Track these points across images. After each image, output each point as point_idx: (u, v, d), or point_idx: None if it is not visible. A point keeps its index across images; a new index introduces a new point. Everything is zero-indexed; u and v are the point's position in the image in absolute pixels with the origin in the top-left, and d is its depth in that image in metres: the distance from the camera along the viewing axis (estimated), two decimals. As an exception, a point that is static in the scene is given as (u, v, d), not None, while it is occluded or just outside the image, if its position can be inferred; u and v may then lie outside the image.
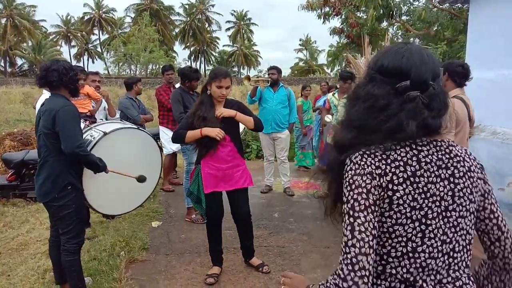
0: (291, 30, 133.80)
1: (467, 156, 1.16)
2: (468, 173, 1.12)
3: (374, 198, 1.05)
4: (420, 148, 1.10)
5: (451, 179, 1.10)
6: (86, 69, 5.77)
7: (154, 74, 37.21)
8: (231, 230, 4.65)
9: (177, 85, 6.14)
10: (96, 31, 58.38)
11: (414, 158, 1.08)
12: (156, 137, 4.55)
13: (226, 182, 3.42)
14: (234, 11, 63.37)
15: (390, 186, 1.05)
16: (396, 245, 1.07)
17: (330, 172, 1.20)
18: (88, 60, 58.61)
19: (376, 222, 1.04)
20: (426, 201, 1.06)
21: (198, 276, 3.59)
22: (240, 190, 3.48)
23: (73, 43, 57.45)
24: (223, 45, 64.86)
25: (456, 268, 1.10)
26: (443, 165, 1.10)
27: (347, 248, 1.02)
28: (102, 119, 4.82)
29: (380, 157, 1.08)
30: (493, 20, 4.57)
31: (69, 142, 2.73)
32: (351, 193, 1.06)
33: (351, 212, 1.04)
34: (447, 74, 3.48)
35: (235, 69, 63.22)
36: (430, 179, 1.07)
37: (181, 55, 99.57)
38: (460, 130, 3.39)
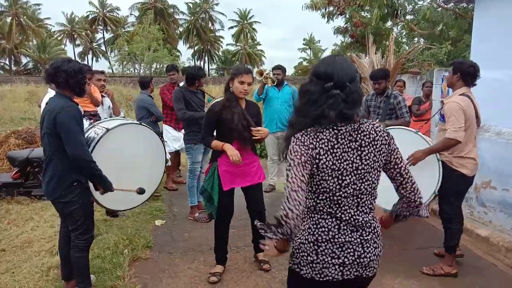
0: (295, 29, 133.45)
1: (373, 130, 1.67)
2: (372, 142, 1.65)
3: (304, 159, 1.59)
4: (338, 129, 1.62)
5: (359, 148, 1.63)
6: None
7: (158, 73, 37.22)
8: (234, 229, 4.65)
9: (181, 84, 6.16)
10: (100, 30, 58.58)
11: (334, 136, 1.62)
12: (160, 136, 4.54)
13: (242, 178, 3.47)
14: (239, 9, 63.35)
15: (317, 156, 1.60)
16: (322, 191, 1.65)
17: (286, 141, 1.72)
18: (92, 59, 58.77)
19: (305, 174, 1.59)
20: (341, 164, 1.62)
21: (201, 274, 3.60)
22: (256, 185, 3.56)
23: (77, 41, 57.61)
24: (227, 44, 64.86)
25: (363, 205, 1.69)
26: (353, 139, 1.63)
27: (285, 187, 1.59)
28: (106, 118, 4.83)
29: (313, 136, 1.62)
30: (498, 20, 4.55)
31: (71, 145, 2.73)
32: (291, 155, 1.62)
33: (289, 167, 1.61)
34: (459, 74, 3.45)
35: (239, 68, 63.10)
36: (344, 149, 1.62)
37: (185, 54, 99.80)
38: (468, 127, 3.38)
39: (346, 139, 1.62)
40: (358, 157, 1.63)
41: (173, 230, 4.66)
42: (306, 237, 1.70)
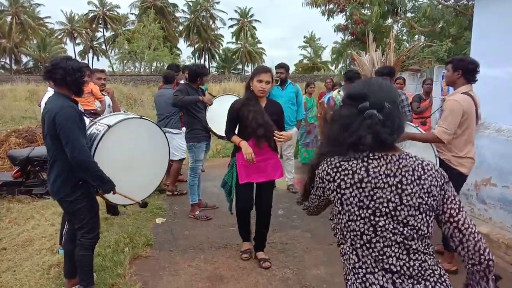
0: (295, 27, 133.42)
1: (420, 166, 1.41)
2: (417, 181, 1.38)
3: (319, 193, 1.51)
4: (370, 161, 1.38)
5: (399, 185, 1.36)
6: (91, 66, 5.75)
7: (158, 72, 37.21)
8: (234, 226, 4.67)
9: (182, 82, 6.16)
10: (100, 29, 58.55)
11: (363, 169, 1.37)
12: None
13: (258, 174, 3.56)
14: (239, 7, 63.22)
15: (338, 189, 1.40)
16: (354, 238, 1.40)
17: (309, 173, 1.61)
18: (93, 57, 58.76)
19: (318, 204, 1.60)
20: (372, 202, 1.36)
21: (201, 272, 3.61)
22: (268, 182, 3.65)
23: (78, 40, 57.60)
24: (227, 42, 64.79)
25: (416, 253, 1.37)
26: (391, 174, 1.37)
27: (307, 203, 1.67)
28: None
29: (333, 166, 1.42)
30: (498, 17, 4.54)
31: (69, 147, 2.72)
32: (314, 184, 1.53)
33: (312, 191, 1.58)
34: (461, 71, 3.40)
35: (239, 66, 63.14)
36: (378, 185, 1.36)
37: (185, 52, 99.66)
38: (467, 127, 3.37)
39: (380, 173, 1.37)
40: (397, 196, 1.36)
41: (174, 228, 4.67)
42: None
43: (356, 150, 1.38)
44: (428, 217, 1.38)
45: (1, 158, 7.27)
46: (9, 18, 47.93)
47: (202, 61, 58.24)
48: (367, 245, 1.37)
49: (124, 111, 5.18)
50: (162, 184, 6.22)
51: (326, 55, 57.06)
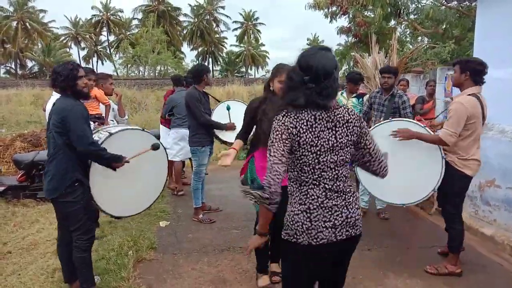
0: (298, 29, 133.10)
1: (347, 113, 1.91)
2: (346, 124, 1.89)
3: (284, 137, 1.83)
4: (315, 112, 1.85)
5: (334, 128, 1.87)
6: (95, 70, 5.73)
7: (162, 75, 37.34)
8: (238, 229, 4.68)
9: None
10: (104, 33, 58.89)
11: (312, 117, 1.84)
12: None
13: None
14: (243, 9, 63.33)
15: (298, 134, 1.83)
16: (303, 165, 1.88)
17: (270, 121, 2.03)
18: (97, 61, 59.11)
19: (285, 149, 1.84)
20: (319, 141, 1.84)
21: (205, 275, 3.61)
22: (283, 187, 3.40)
23: (82, 44, 57.94)
24: (231, 45, 64.87)
25: (341, 176, 1.92)
26: (330, 120, 1.86)
27: (268, 161, 1.85)
28: (112, 120, 4.86)
29: (293, 117, 1.84)
30: (500, 18, 4.53)
31: (81, 141, 2.83)
32: (273, 134, 1.86)
33: (271, 144, 1.86)
34: (469, 73, 3.34)
35: (243, 69, 63.23)
36: (322, 128, 1.85)
37: (189, 56, 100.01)
38: (474, 129, 3.35)
39: (323, 120, 1.85)
40: (333, 136, 1.86)
41: (177, 231, 4.67)
42: (299, 207, 1.91)
43: (294, 106, 1.84)
44: (350, 149, 1.94)
45: (6, 162, 7.32)
46: (14, 23, 48.31)
47: (205, 64, 58.29)
48: (312, 170, 1.87)
49: (126, 118, 5.20)
50: (166, 188, 6.26)
51: (330, 58, 56.81)
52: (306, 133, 1.83)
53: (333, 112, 1.88)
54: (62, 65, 3.01)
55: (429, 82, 7.04)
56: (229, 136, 5.03)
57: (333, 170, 1.89)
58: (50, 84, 3.01)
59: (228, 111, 5.01)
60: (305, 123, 1.83)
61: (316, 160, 1.86)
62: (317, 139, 1.84)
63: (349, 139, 1.91)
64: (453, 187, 3.51)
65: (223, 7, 60.69)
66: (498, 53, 4.42)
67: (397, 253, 3.97)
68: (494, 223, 4.43)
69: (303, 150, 1.85)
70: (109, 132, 3.27)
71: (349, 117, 1.91)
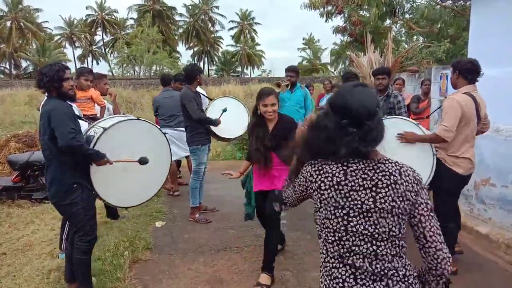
0: (294, 29, 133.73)
1: (397, 171, 1.45)
2: (393, 185, 1.43)
3: (302, 189, 1.59)
4: (350, 165, 1.46)
5: (374, 188, 1.43)
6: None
7: (157, 75, 37.25)
8: (234, 229, 4.68)
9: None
10: (99, 33, 58.65)
11: (342, 172, 1.46)
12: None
13: (270, 182, 3.50)
14: (240, 9, 63.30)
15: (318, 190, 1.49)
16: (328, 234, 1.49)
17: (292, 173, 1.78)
18: (92, 61, 58.85)
19: (299, 197, 1.65)
20: (348, 203, 1.43)
21: (201, 275, 3.61)
22: (274, 191, 3.42)
23: (77, 44, 57.67)
24: (227, 45, 64.87)
25: (383, 254, 1.44)
26: (368, 178, 1.44)
27: (286, 191, 1.75)
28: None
29: (315, 168, 1.52)
30: (495, 17, 4.55)
31: (62, 136, 2.77)
32: (296, 181, 1.64)
33: (294, 187, 1.66)
34: (457, 72, 3.45)
35: (239, 69, 63.20)
36: (353, 187, 1.44)
37: (185, 55, 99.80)
38: (464, 127, 3.37)
39: (357, 177, 1.45)
40: (371, 198, 1.42)
41: (173, 232, 4.66)
42: None
43: (333, 157, 1.48)
44: (400, 220, 1.44)
45: (0, 163, 7.28)
46: (8, 23, 48.02)
47: (201, 64, 58.20)
48: (338, 241, 1.47)
49: (123, 114, 5.18)
50: (162, 188, 6.24)
51: (325, 57, 57.11)
52: (329, 191, 1.46)
53: (375, 168, 1.46)
54: (49, 66, 2.97)
55: (424, 81, 7.06)
56: (227, 132, 5.09)
57: (369, 244, 1.43)
58: (36, 85, 2.99)
59: (223, 112, 5.03)
60: (329, 178, 1.46)
61: (343, 228, 1.44)
62: (344, 199, 1.44)
63: (397, 205, 1.42)
64: (442, 184, 3.52)
65: (217, 7, 60.66)
66: (493, 52, 4.44)
67: None
68: (489, 221, 4.45)
69: (326, 212, 1.47)
70: (103, 127, 3.23)
71: (398, 178, 1.44)
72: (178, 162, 6.62)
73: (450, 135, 3.31)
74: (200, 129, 4.86)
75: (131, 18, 57.39)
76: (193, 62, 57.15)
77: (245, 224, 4.73)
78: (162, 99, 6.06)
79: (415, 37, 14.63)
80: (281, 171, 3.47)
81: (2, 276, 3.65)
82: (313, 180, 1.51)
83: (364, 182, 1.44)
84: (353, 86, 1.54)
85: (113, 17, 58.04)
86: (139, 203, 3.73)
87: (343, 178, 1.45)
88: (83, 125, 3.42)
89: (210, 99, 5.52)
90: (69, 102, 3.04)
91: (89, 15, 57.57)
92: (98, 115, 4.69)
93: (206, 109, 5.15)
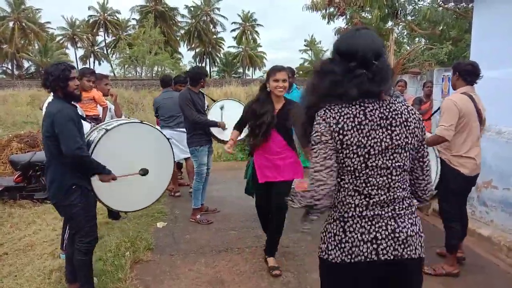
0: (296, 30, 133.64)
1: (406, 110, 1.57)
2: (405, 123, 1.55)
3: (325, 139, 1.52)
4: (366, 105, 1.54)
5: (389, 127, 1.53)
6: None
7: (159, 76, 37.23)
8: (235, 230, 4.68)
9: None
10: (101, 33, 58.74)
11: (361, 112, 1.52)
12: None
13: (276, 173, 3.49)
14: (242, 11, 63.32)
15: (341, 131, 1.51)
16: (347, 170, 1.55)
17: (303, 122, 1.68)
18: (94, 62, 58.92)
19: (328, 152, 1.52)
20: (369, 142, 1.52)
21: (202, 276, 3.60)
22: (285, 182, 3.44)
23: (79, 45, 57.75)
24: (228, 46, 64.86)
25: (395, 185, 1.57)
26: (384, 117, 1.54)
27: (310, 169, 1.55)
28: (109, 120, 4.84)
29: (336, 111, 1.53)
30: (497, 19, 4.55)
31: (67, 144, 2.76)
32: (313, 135, 1.55)
33: (312, 147, 1.56)
34: (457, 73, 3.53)
35: (240, 70, 63.20)
36: (373, 126, 1.52)
37: (186, 56, 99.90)
38: (465, 126, 3.40)
39: (375, 116, 1.52)
40: (388, 136, 1.53)
41: (175, 232, 4.67)
42: (332, 215, 1.61)
43: (343, 100, 1.54)
44: (410, 155, 1.59)
45: (2, 163, 7.30)
46: (11, 24, 48.12)
47: (203, 65, 58.27)
48: (355, 176, 1.55)
49: (127, 117, 5.19)
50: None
51: (327, 59, 56.88)
52: (352, 131, 1.50)
53: (388, 107, 1.55)
54: (54, 65, 2.95)
55: (426, 83, 7.06)
56: (226, 135, 5.05)
57: (385, 177, 1.54)
58: (41, 84, 2.97)
59: (221, 110, 5.08)
60: (351, 119, 1.51)
61: (364, 165, 1.52)
62: (366, 139, 1.51)
63: (409, 141, 1.55)
64: (448, 185, 3.53)
65: (218, 9, 60.67)
66: (495, 54, 4.44)
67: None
68: (491, 223, 4.44)
69: (348, 151, 1.52)
70: (105, 129, 3.24)
71: (408, 116, 1.56)
72: (179, 163, 6.63)
73: (450, 133, 3.35)
74: (198, 130, 4.86)
75: (133, 19, 57.51)
76: (196, 63, 57.25)
77: (246, 225, 4.75)
78: (162, 100, 6.09)
79: (417, 39, 14.60)
80: (285, 159, 3.48)
81: (3, 276, 3.65)
82: (336, 122, 1.52)
83: (381, 121, 1.53)
84: (355, 29, 1.60)
85: (115, 17, 58.12)
86: (142, 208, 3.74)
87: (363, 118, 1.52)
88: (86, 126, 3.43)
89: (214, 100, 5.52)
90: (74, 103, 3.04)
91: (91, 15, 57.67)
92: (101, 116, 4.70)
93: (208, 110, 5.15)
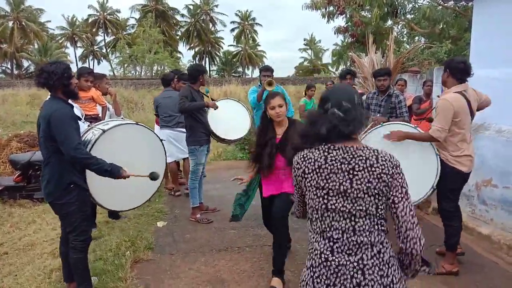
0: (295, 29, 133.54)
1: (374, 156, 1.59)
2: (369, 168, 1.57)
3: (297, 180, 1.71)
4: (331, 151, 1.63)
5: (351, 171, 1.58)
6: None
7: (159, 75, 37.23)
8: (235, 229, 4.68)
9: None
10: (101, 33, 58.66)
11: (323, 157, 1.62)
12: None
13: (278, 186, 3.47)
14: (239, 11, 63.28)
15: (303, 174, 1.66)
16: (312, 211, 1.66)
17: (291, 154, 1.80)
18: (93, 61, 58.89)
19: (300, 191, 1.76)
20: (327, 184, 1.60)
21: (202, 275, 3.61)
22: (285, 193, 3.40)
23: (78, 44, 57.69)
24: (228, 45, 64.86)
25: (360, 229, 1.57)
26: (346, 162, 1.60)
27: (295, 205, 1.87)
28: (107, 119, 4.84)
29: (301, 156, 1.68)
30: (497, 18, 4.55)
31: (65, 146, 2.76)
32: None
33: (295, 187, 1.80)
34: (448, 71, 3.54)
35: (240, 69, 63.17)
36: (332, 170, 1.60)
37: (186, 55, 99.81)
38: (461, 125, 3.42)
39: (336, 161, 1.60)
40: (348, 180, 1.57)
41: (175, 231, 4.67)
42: (306, 263, 1.68)
43: (319, 141, 1.66)
44: (376, 200, 1.58)
45: (2, 163, 7.29)
46: (10, 23, 48.06)
47: (203, 64, 58.14)
48: (319, 218, 1.63)
49: (122, 118, 5.18)
50: (163, 188, 6.25)
51: (327, 58, 57.14)
52: (312, 174, 1.62)
53: (353, 153, 1.60)
54: (54, 64, 2.92)
55: (426, 82, 7.05)
56: (225, 133, 5.06)
57: (348, 220, 1.57)
58: (41, 84, 2.89)
59: (207, 93, 5.22)
60: (312, 163, 1.63)
61: (324, 206, 1.60)
62: (324, 181, 1.60)
63: (372, 186, 1.56)
64: (447, 184, 3.56)
65: (216, 6, 60.60)
66: (495, 53, 4.44)
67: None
68: (490, 222, 4.44)
69: (309, 193, 1.65)
70: (102, 130, 3.25)
71: (374, 162, 1.58)
72: (179, 163, 6.62)
73: (443, 135, 3.39)
74: (199, 129, 4.85)
75: (132, 18, 57.46)
76: (195, 62, 57.16)
77: (246, 224, 4.74)
78: (162, 99, 6.10)
79: (416, 37, 14.61)
80: (288, 173, 3.46)
81: (4, 275, 3.65)
82: (299, 166, 1.67)
83: (342, 166, 1.59)
84: (335, 84, 1.82)
85: (115, 17, 58.06)
86: (132, 208, 3.78)
87: (323, 162, 1.62)
88: (82, 127, 3.43)
89: (213, 99, 5.51)
90: (70, 102, 3.04)
91: (90, 15, 57.62)
92: (100, 115, 4.70)
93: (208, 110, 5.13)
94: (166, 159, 3.94)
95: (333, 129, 1.61)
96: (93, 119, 4.49)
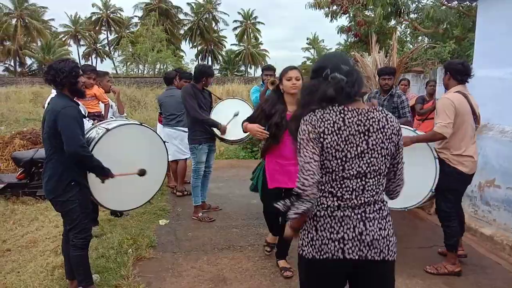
0: (298, 29, 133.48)
1: (384, 118, 1.72)
2: (381, 129, 1.69)
3: (312, 136, 1.67)
4: (346, 113, 1.68)
5: (366, 133, 1.67)
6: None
7: (162, 74, 37.22)
8: (237, 228, 4.69)
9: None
10: (104, 31, 58.76)
11: (341, 119, 1.67)
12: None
13: (287, 179, 3.32)
14: (242, 9, 63.25)
15: (322, 135, 1.66)
16: (325, 172, 1.69)
17: (295, 120, 1.82)
18: (96, 59, 58.98)
19: (315, 147, 1.67)
20: (346, 146, 1.66)
21: (204, 273, 3.61)
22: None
23: (81, 42, 57.80)
24: (231, 44, 64.85)
25: (368, 189, 1.70)
26: (361, 123, 1.68)
27: (299, 162, 1.68)
28: (112, 117, 4.85)
29: (318, 117, 1.69)
30: (501, 18, 4.53)
31: (70, 143, 2.78)
32: (300, 135, 1.71)
33: (300, 146, 1.70)
34: (448, 73, 3.56)
35: (242, 68, 63.13)
36: (351, 132, 1.66)
37: (189, 54, 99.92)
38: (461, 125, 3.42)
39: (353, 123, 1.67)
40: (364, 142, 1.67)
41: (177, 230, 4.67)
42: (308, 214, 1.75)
43: (323, 104, 1.70)
44: (386, 160, 1.72)
45: (5, 160, 7.32)
46: (14, 21, 48.18)
47: (205, 63, 58.16)
48: (333, 178, 1.68)
49: (125, 116, 5.19)
50: (166, 186, 6.25)
51: (330, 57, 56.70)
52: (332, 136, 1.65)
53: (366, 115, 1.69)
54: (62, 61, 2.94)
55: (429, 82, 7.03)
56: (229, 135, 5.02)
57: (359, 180, 1.68)
58: (48, 80, 2.91)
59: (235, 117, 4.96)
60: (331, 124, 1.66)
61: (341, 167, 1.66)
62: (344, 143, 1.65)
63: (385, 147, 1.69)
64: (447, 184, 3.54)
65: (219, 4, 60.59)
66: (499, 53, 4.43)
67: (396, 253, 3.97)
68: (493, 223, 4.43)
69: (327, 154, 1.66)
70: (106, 128, 3.26)
71: (386, 123, 1.70)
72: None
73: (449, 130, 3.37)
74: (198, 127, 4.82)
75: (135, 16, 57.47)
76: (198, 61, 57.15)
77: (248, 223, 4.75)
78: (164, 97, 6.11)
79: (420, 37, 14.56)
80: (297, 165, 3.42)
81: (6, 272, 3.66)
82: (318, 125, 1.67)
83: (359, 127, 1.67)
84: (325, 54, 1.95)
85: (118, 15, 58.13)
86: (133, 208, 3.82)
87: (342, 124, 1.66)
88: (86, 124, 3.44)
89: (219, 98, 5.50)
90: (76, 100, 3.05)
91: (94, 13, 57.69)
92: (103, 113, 4.71)
93: (212, 108, 5.11)
94: (168, 161, 3.94)
95: (341, 91, 1.66)
96: (95, 116, 4.50)
